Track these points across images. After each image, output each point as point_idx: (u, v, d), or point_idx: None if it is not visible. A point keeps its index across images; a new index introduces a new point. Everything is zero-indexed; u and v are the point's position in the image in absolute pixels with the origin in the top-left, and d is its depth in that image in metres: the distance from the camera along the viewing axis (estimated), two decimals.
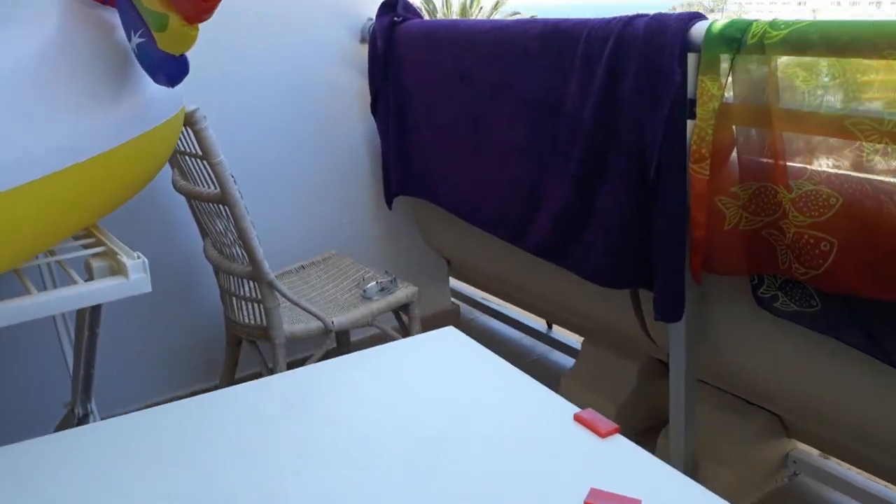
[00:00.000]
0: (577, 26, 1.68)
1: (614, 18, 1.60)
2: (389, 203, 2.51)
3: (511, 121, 1.90)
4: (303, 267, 2.33)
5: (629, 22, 1.56)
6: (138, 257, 1.04)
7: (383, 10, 2.30)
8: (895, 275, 1.24)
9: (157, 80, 1.12)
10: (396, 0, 2.29)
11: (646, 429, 2.16)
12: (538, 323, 2.76)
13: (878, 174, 1.25)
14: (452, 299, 3.03)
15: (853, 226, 1.28)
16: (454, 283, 3.03)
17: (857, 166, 1.28)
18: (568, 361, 2.58)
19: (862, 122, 1.22)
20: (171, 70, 1.10)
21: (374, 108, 2.40)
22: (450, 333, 1.15)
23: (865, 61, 1.21)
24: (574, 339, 2.59)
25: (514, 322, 2.83)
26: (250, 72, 2.28)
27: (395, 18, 2.25)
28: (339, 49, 2.43)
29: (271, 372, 1.93)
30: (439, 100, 2.16)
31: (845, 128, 1.25)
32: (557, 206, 1.80)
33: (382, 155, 2.45)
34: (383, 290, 2.08)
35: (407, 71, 2.26)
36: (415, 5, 2.32)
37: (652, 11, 1.56)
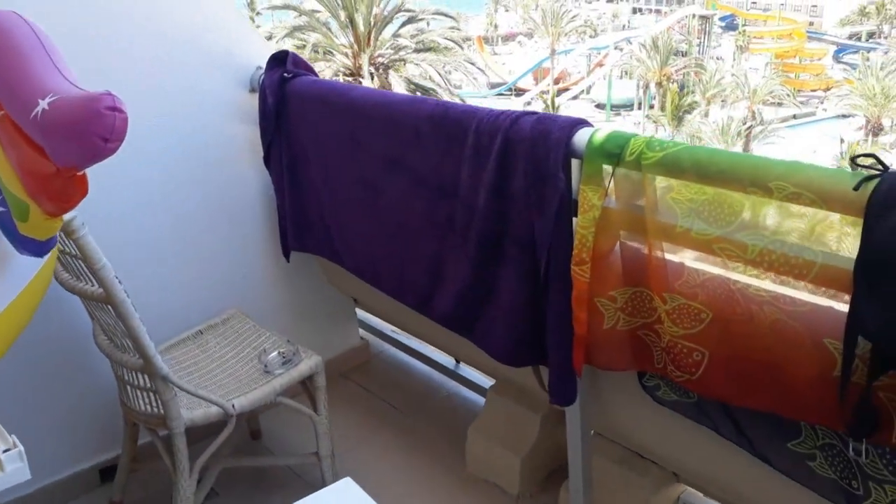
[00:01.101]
0: (466, 115, 1.68)
1: (502, 114, 1.61)
2: (287, 255, 2.47)
3: (408, 196, 1.90)
4: (201, 332, 2.27)
5: (516, 121, 1.57)
6: (14, 445, 1.00)
7: (272, 64, 2.22)
8: (762, 386, 1.33)
9: (20, 252, 1.06)
10: (286, 54, 2.22)
11: (550, 476, 2.26)
12: (447, 359, 2.80)
13: (747, 294, 1.33)
14: (362, 331, 3.03)
15: (723, 339, 1.36)
16: (362, 314, 3.02)
17: (725, 284, 1.35)
18: (477, 400, 2.65)
19: (729, 249, 1.29)
20: (34, 247, 1.04)
21: (268, 160, 2.34)
22: (347, 486, 1.16)
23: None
24: (483, 378, 2.65)
25: (424, 357, 2.87)
26: (131, 127, 2.16)
27: (286, 74, 2.18)
28: (228, 99, 2.34)
29: (172, 460, 1.89)
30: (336, 162, 2.12)
31: (713, 250, 1.32)
32: (459, 283, 1.83)
33: (278, 207, 2.40)
34: (286, 361, 2.06)
35: (300, 127, 2.20)
36: (304, 59, 2.26)
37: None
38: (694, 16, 52.98)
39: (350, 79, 16.21)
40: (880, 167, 1.09)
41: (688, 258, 1.43)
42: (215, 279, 2.43)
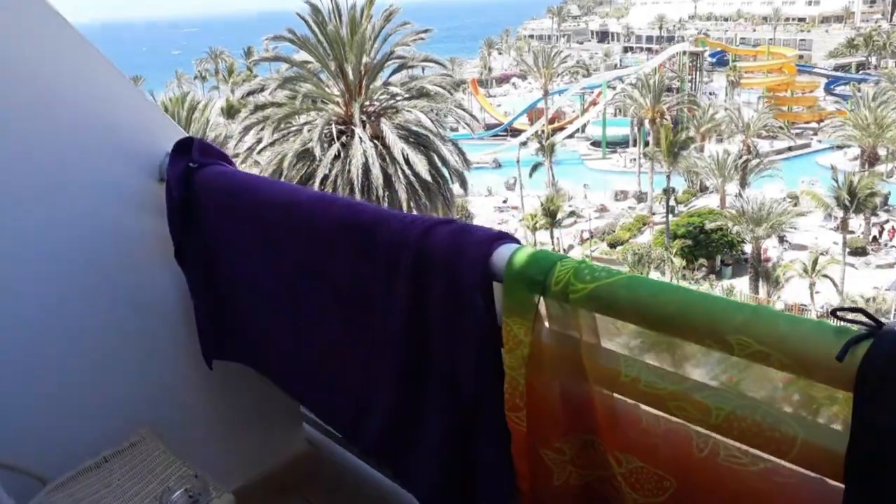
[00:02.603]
0: (375, 222, 1.40)
1: (414, 222, 1.33)
2: (209, 362, 2.18)
3: (328, 312, 1.62)
4: (105, 460, 1.96)
5: (428, 232, 1.29)
6: None
7: (177, 153, 1.95)
8: None
9: None
10: (190, 142, 1.95)
11: None
12: None
13: (718, 459, 1.03)
14: (310, 432, 2.71)
15: None
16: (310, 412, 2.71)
17: (690, 442, 1.06)
18: None
19: (687, 410, 1.00)
20: None
21: (180, 256, 2.06)
22: None
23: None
24: None
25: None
26: (21, 228, 1.89)
27: (191, 164, 1.92)
28: (134, 189, 2.06)
29: None
30: (253, 266, 1.85)
31: (669, 409, 1.03)
32: (383, 415, 1.54)
33: (195, 308, 2.11)
34: (195, 503, 1.75)
35: (212, 223, 1.93)
36: (215, 145, 2.00)
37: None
38: (684, 53, 53.50)
39: (342, 127, 16.14)
40: (870, 323, 0.80)
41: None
42: (123, 395, 2.12)
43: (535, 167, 39.81)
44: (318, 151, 14.85)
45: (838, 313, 0.82)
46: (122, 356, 2.11)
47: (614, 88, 53.63)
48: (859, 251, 28.98)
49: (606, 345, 1.11)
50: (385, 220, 1.38)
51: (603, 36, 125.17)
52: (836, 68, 67.85)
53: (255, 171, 17.01)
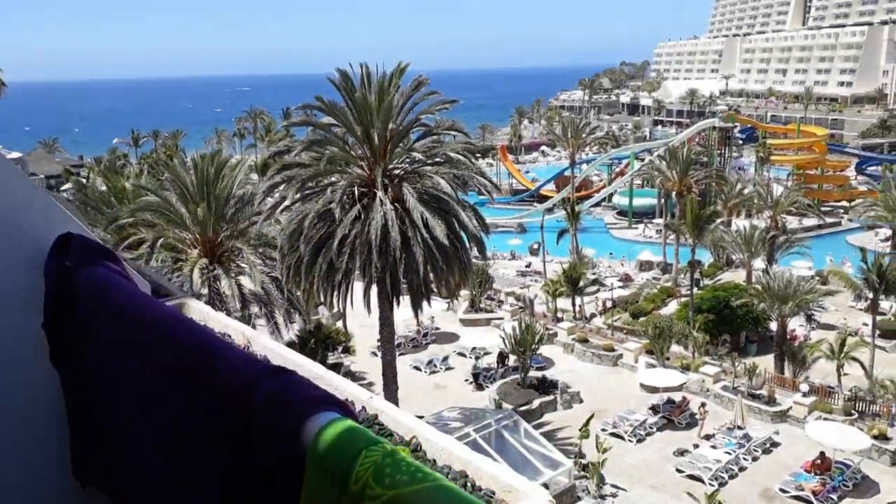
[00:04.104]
0: (207, 363, 1.33)
1: (247, 367, 1.25)
2: (81, 481, 1.94)
3: (160, 444, 1.52)
4: None
5: (253, 385, 1.19)
6: None
7: (55, 250, 1.81)
8: None
9: None
10: (70, 238, 1.83)
11: None
12: None
13: None
14: None
15: None
16: None
17: None
18: None
19: None
20: None
21: (55, 360, 1.92)
22: None
23: None
24: None
25: None
26: None
27: (68, 263, 1.87)
28: (10, 285, 1.89)
29: None
30: (113, 382, 1.75)
31: None
32: None
33: (69, 420, 1.90)
34: None
35: (80, 328, 1.79)
36: (98, 242, 1.85)
37: None
38: (714, 128, 53.79)
39: (365, 189, 16.45)
40: None
41: None
42: None
43: (561, 233, 39.85)
44: (338, 212, 15.11)
45: None
46: None
47: (642, 160, 54.03)
48: (890, 334, 28.16)
49: None
50: (219, 359, 1.31)
51: (633, 108, 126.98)
52: (867, 148, 67.65)
53: (276, 228, 17.22)
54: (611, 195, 56.89)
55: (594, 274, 37.77)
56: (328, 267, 15.59)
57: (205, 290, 15.80)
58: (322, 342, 20.54)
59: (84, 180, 35.12)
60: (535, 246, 43.05)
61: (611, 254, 43.68)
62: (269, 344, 2.82)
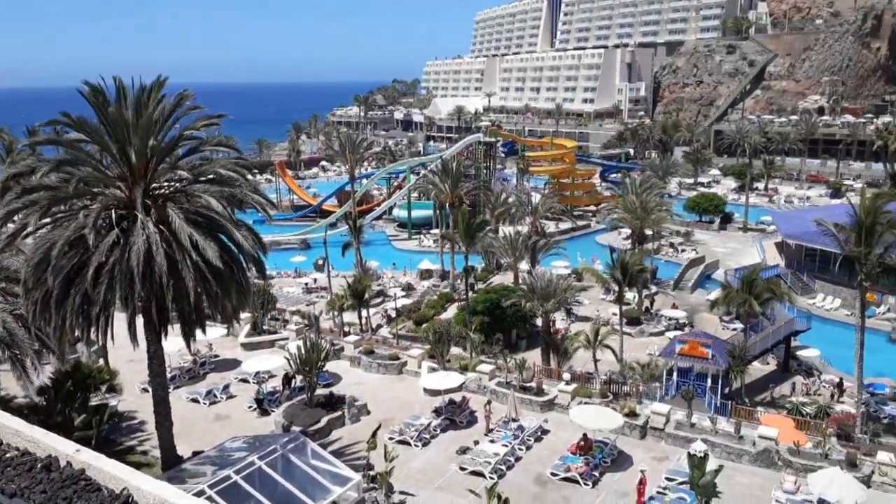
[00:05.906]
0: None
1: None
2: None
3: None
4: None
5: None
6: None
7: None
8: None
9: None
10: None
11: None
12: None
13: None
14: None
15: None
16: None
17: None
18: None
19: None
20: None
21: None
22: None
23: None
24: None
25: None
26: None
27: None
28: None
29: None
30: None
31: None
32: None
33: None
34: None
35: None
36: None
37: None
38: (479, 142, 57.69)
39: (124, 212, 15.14)
40: None
41: None
42: None
43: (345, 246, 40.01)
44: (91, 238, 13.75)
45: None
46: None
47: (418, 174, 56.15)
48: (634, 321, 32.26)
49: None
50: None
51: (407, 125, 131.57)
52: (608, 158, 77.07)
53: (20, 259, 15.28)
54: (391, 208, 58.48)
55: (379, 285, 38.61)
56: (83, 300, 14.09)
57: None
58: (81, 383, 18.45)
59: None
60: (320, 261, 42.77)
61: (394, 265, 44.79)
62: None
